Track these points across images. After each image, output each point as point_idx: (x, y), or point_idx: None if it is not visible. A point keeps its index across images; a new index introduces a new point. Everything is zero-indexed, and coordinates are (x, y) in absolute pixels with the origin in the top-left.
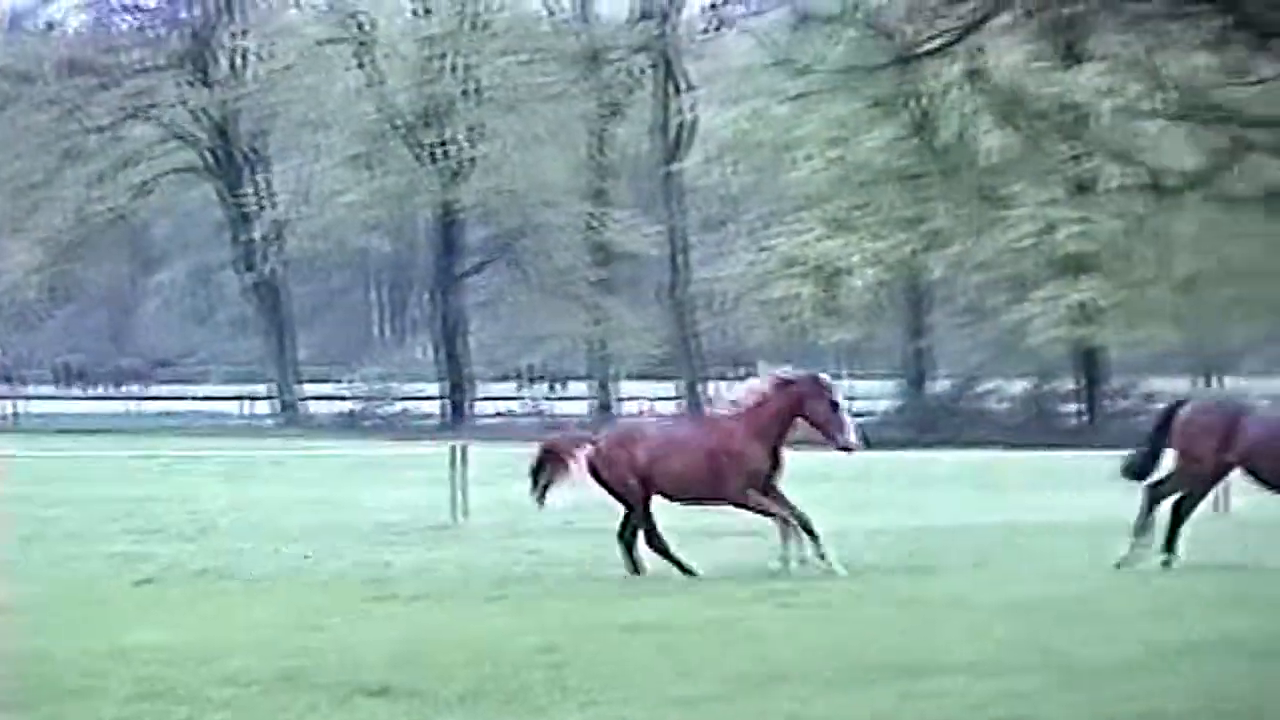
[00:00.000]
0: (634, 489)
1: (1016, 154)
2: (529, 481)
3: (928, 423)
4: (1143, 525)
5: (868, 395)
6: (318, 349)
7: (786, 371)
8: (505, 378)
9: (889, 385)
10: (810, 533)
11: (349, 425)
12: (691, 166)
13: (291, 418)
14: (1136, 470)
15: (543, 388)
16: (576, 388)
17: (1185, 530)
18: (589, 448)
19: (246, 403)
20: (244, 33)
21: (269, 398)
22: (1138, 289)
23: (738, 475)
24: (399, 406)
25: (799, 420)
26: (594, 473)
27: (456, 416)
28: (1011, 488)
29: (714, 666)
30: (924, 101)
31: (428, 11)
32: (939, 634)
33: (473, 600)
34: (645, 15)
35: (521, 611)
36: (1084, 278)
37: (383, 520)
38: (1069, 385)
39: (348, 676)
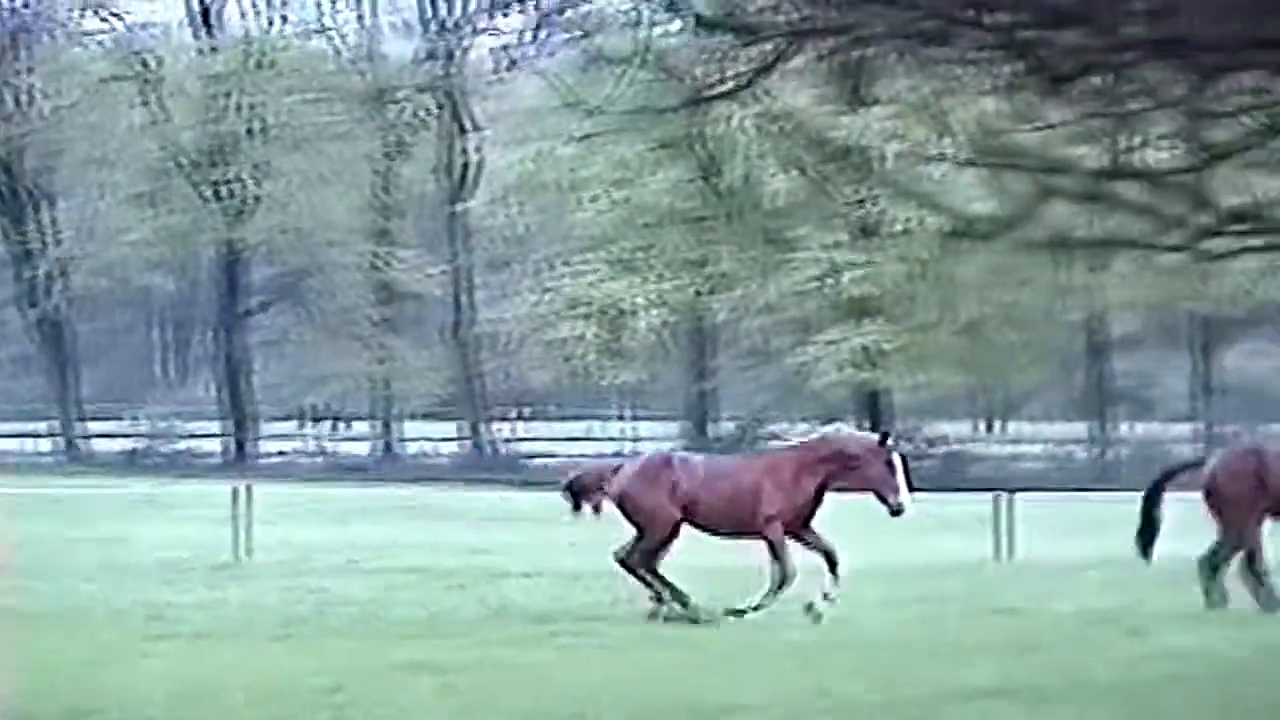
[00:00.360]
0: (669, 518)
1: (802, 197)
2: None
3: None
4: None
5: (651, 437)
6: (101, 387)
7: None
8: (289, 417)
9: (673, 427)
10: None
11: (131, 463)
12: (477, 207)
13: (74, 455)
14: (1147, 547)
15: (326, 427)
16: (360, 427)
17: (969, 575)
18: (618, 474)
19: (29, 440)
20: (29, 70)
21: (51, 435)
22: (921, 333)
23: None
24: (182, 445)
25: (849, 475)
26: (622, 499)
27: (240, 455)
28: None
29: (497, 707)
30: (710, 144)
31: (213, 50)
32: (723, 676)
33: (257, 639)
34: (431, 55)
35: (306, 651)
36: (868, 321)
37: (166, 558)
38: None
39: (133, 715)
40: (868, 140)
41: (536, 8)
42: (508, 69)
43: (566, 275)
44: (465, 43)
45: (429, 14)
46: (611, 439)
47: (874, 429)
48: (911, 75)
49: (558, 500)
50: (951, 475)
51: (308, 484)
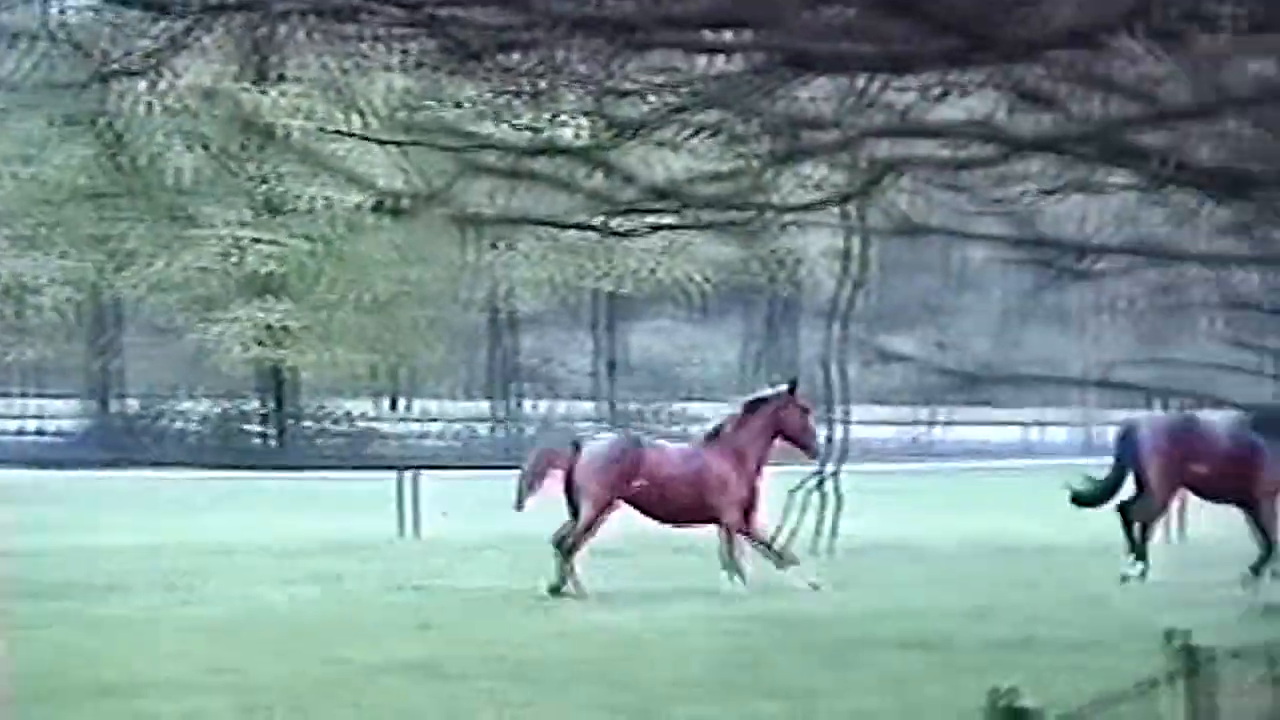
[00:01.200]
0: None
1: (207, 174)
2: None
3: (116, 443)
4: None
5: (56, 415)
6: None
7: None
8: None
9: (77, 405)
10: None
11: None
12: None
13: None
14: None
15: None
16: None
17: (375, 553)
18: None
19: None
20: None
21: None
22: (326, 310)
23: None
24: None
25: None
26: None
27: None
28: (199, 509)
29: None
30: (117, 121)
31: None
32: (131, 654)
33: None
34: None
35: None
36: (273, 299)
37: None
38: (257, 406)
39: None
40: (275, 117)
41: None
42: None
43: None
44: None
45: None
46: (15, 417)
47: (279, 407)
48: (320, 52)
49: None
50: (357, 453)
51: None
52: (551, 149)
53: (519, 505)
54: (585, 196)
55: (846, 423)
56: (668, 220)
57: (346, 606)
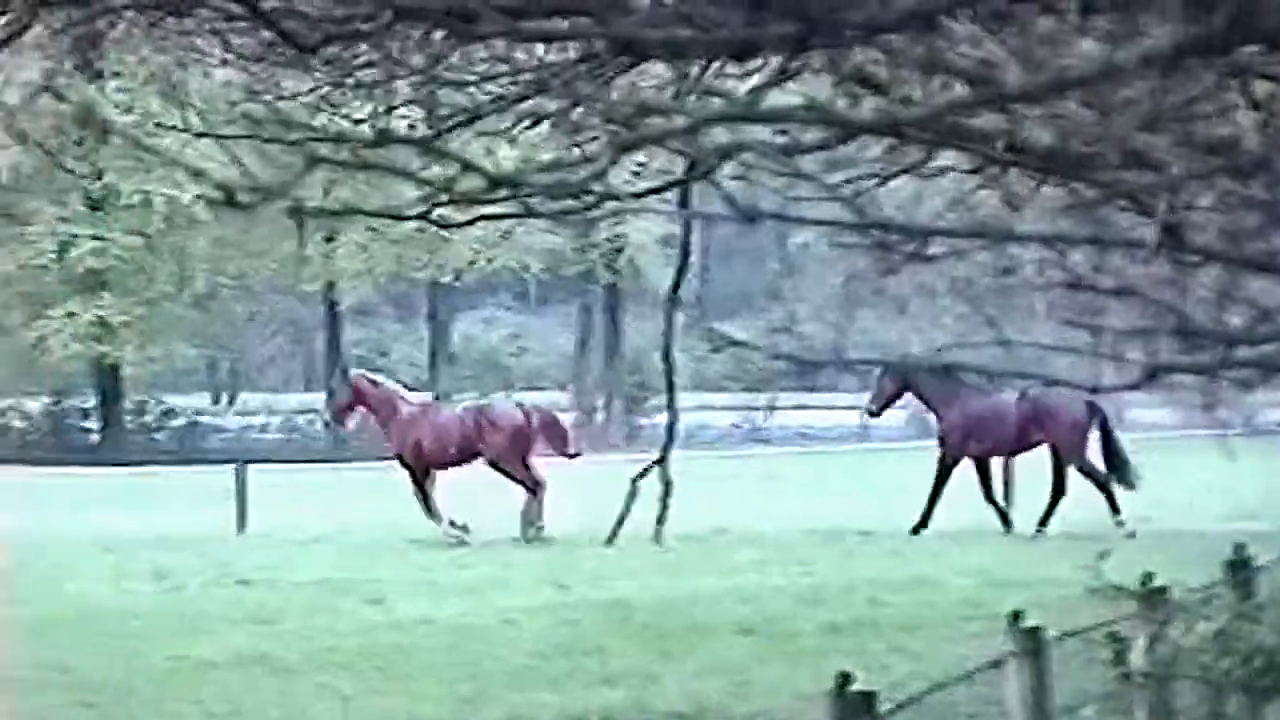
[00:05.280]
0: None
1: (33, 170)
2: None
3: None
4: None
5: None
6: None
7: None
8: None
9: None
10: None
11: None
12: None
13: None
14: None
15: None
16: None
17: (207, 547)
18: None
19: None
20: None
21: None
22: (155, 305)
23: None
24: None
25: None
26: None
27: None
28: (25, 505)
29: None
30: None
31: None
32: None
33: None
34: None
35: None
36: (102, 294)
37: None
38: (88, 402)
39: None
40: (107, 112)
41: None
42: None
43: None
44: None
45: None
46: None
47: (108, 403)
48: (150, 47)
49: None
50: (187, 448)
51: None
52: (387, 139)
53: None
54: (424, 187)
55: (673, 409)
56: (501, 210)
57: (182, 602)
